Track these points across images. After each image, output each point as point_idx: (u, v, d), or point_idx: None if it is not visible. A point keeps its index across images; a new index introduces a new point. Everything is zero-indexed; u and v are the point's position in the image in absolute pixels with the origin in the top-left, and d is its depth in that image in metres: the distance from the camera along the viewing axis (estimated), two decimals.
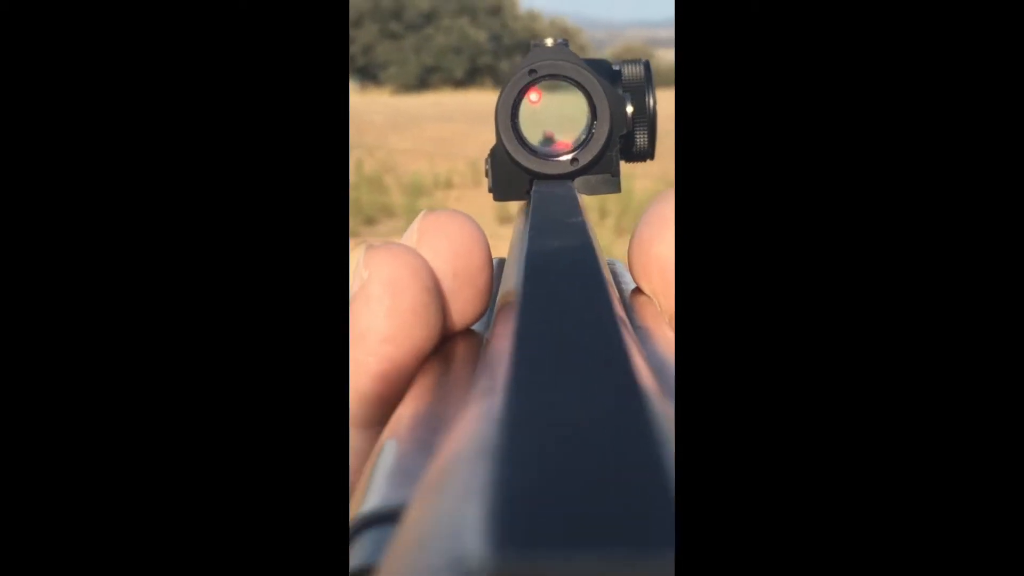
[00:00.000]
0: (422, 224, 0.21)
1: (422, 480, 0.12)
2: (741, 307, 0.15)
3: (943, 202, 0.15)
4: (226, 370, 0.15)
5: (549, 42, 0.29)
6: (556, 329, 0.12)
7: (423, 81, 17.82)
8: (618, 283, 0.25)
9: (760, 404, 0.15)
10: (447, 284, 0.21)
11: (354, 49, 19.21)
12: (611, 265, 0.27)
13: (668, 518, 0.07)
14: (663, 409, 0.11)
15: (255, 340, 0.16)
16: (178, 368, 0.15)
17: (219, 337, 0.16)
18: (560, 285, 0.15)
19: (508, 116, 0.29)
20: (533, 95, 0.29)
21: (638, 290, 0.24)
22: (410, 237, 0.21)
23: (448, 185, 5.85)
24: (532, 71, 0.28)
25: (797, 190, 0.15)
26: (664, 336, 0.21)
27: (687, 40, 0.16)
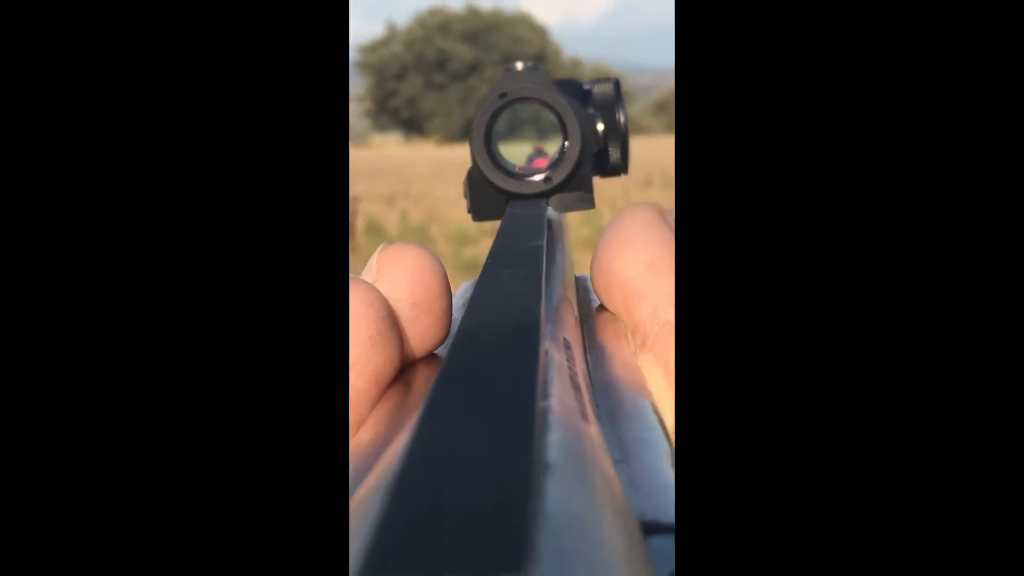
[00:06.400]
0: (380, 258, 0.22)
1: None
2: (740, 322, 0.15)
3: (942, 212, 0.15)
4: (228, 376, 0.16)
5: (519, 66, 0.29)
6: (476, 367, 0.13)
7: (468, 131, 18.00)
8: (586, 300, 0.26)
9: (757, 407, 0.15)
10: (405, 313, 0.21)
11: (398, 101, 19.49)
12: (581, 281, 0.28)
13: (520, 551, 0.08)
14: (574, 437, 0.12)
15: (253, 351, 0.16)
16: (176, 370, 0.16)
17: (219, 346, 0.16)
18: (495, 320, 0.15)
19: (482, 139, 0.29)
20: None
21: (602, 307, 0.24)
22: (369, 272, 0.22)
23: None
24: (503, 95, 0.29)
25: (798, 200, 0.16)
26: (620, 355, 0.22)
27: (687, 38, 0.16)
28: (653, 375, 0.21)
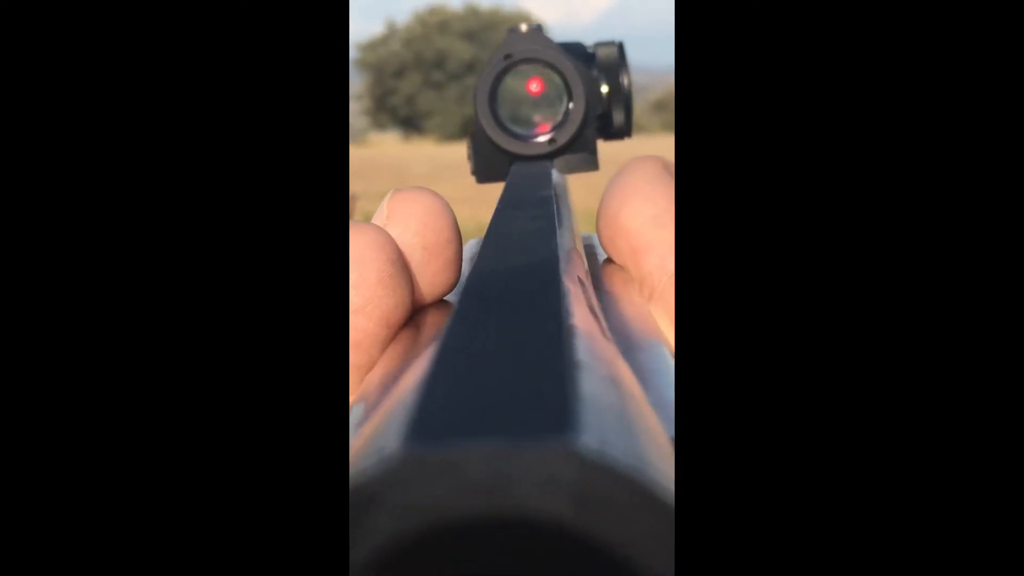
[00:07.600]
0: (390, 203, 0.22)
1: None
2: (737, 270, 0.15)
3: (923, 197, 0.15)
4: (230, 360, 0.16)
5: (524, 27, 0.29)
6: (499, 287, 0.13)
7: (466, 130, 18.03)
8: (593, 255, 0.26)
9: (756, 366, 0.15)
10: (416, 257, 0.21)
11: (397, 99, 19.50)
12: (588, 239, 0.28)
13: (563, 413, 0.09)
14: (599, 348, 0.12)
15: (256, 331, 0.16)
16: (176, 350, 0.16)
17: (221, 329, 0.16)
18: (512, 252, 0.15)
19: (487, 101, 0.29)
20: (534, 85, 0.30)
21: (609, 260, 0.25)
22: (379, 216, 0.22)
23: None
24: (508, 56, 0.29)
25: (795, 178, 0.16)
26: (631, 300, 0.22)
27: (687, 27, 0.16)
28: (662, 324, 0.21)
